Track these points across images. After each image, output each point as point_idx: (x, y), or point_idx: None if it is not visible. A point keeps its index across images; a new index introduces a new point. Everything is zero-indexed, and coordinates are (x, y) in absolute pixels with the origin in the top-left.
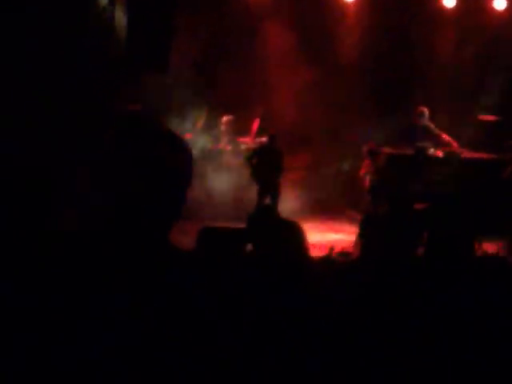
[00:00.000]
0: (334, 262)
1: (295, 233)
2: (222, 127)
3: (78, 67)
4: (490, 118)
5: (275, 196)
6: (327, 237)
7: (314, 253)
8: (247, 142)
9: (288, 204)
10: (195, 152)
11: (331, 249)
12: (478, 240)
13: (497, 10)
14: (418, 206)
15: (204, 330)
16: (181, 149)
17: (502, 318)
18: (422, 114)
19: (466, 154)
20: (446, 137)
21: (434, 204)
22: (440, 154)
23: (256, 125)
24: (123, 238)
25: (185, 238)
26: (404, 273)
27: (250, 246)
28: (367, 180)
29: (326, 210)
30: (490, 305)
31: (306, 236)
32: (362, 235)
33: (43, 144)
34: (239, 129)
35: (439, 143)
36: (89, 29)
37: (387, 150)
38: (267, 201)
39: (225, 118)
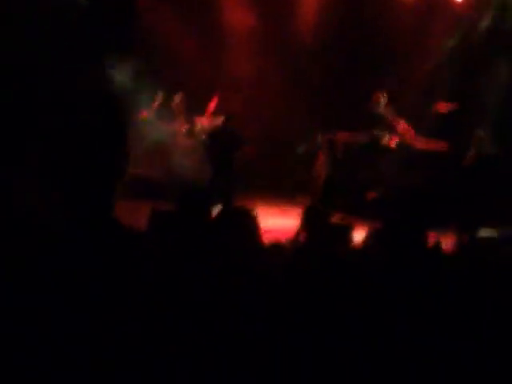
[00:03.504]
0: (283, 249)
1: (248, 220)
2: (176, 106)
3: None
4: (447, 106)
5: (229, 178)
6: (279, 222)
7: (267, 238)
8: (203, 123)
9: (241, 187)
10: (152, 132)
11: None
12: (433, 231)
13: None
14: (370, 195)
15: (152, 311)
16: (110, 108)
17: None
18: (379, 101)
19: (420, 143)
20: (402, 125)
21: (386, 194)
22: (394, 143)
23: (213, 105)
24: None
25: (139, 218)
26: (352, 262)
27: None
28: (324, 170)
29: (277, 195)
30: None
31: (258, 223)
32: (305, 225)
33: None
34: (196, 109)
35: (395, 131)
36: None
37: (343, 136)
38: (221, 182)
39: (178, 97)
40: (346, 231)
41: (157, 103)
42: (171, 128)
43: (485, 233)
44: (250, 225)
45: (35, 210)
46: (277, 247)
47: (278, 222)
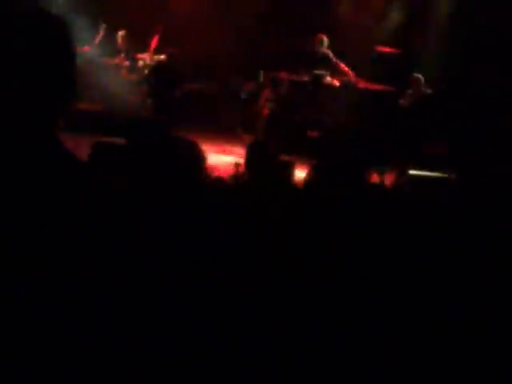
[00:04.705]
0: (225, 185)
1: (193, 152)
2: (119, 42)
3: None
4: (388, 49)
5: (171, 113)
6: (220, 158)
7: (209, 174)
8: (145, 59)
9: (182, 123)
10: (93, 66)
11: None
12: (374, 170)
13: None
14: (311, 134)
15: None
16: (52, 24)
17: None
18: (321, 42)
19: (362, 84)
20: (343, 66)
21: (327, 132)
22: (336, 82)
23: (155, 41)
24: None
25: (80, 152)
26: (288, 198)
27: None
28: (266, 108)
29: (217, 132)
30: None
31: (202, 155)
32: (248, 160)
33: None
34: (137, 45)
35: (336, 72)
36: None
37: (285, 75)
38: (162, 117)
39: (121, 33)
40: (289, 168)
41: (98, 38)
42: (113, 63)
43: (420, 172)
44: (195, 157)
45: None
46: (219, 182)
47: (219, 159)
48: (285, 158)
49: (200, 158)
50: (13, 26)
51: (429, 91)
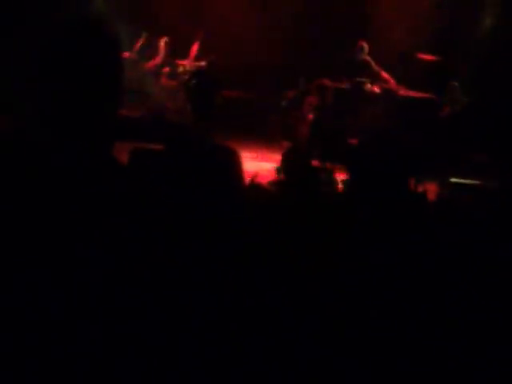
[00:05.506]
0: (261, 190)
1: (230, 159)
2: (160, 49)
3: None
4: (429, 57)
5: (210, 120)
6: (259, 165)
7: (249, 180)
8: (185, 65)
9: (222, 130)
10: (133, 72)
11: (254, 176)
12: (417, 179)
13: None
14: (352, 141)
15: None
16: (105, 39)
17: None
18: (361, 49)
19: (403, 91)
20: (384, 73)
21: (368, 139)
22: (377, 89)
23: (195, 48)
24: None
25: (119, 158)
26: (326, 205)
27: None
28: (310, 115)
29: (260, 140)
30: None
31: (241, 162)
32: (283, 166)
33: None
34: (178, 51)
35: (377, 79)
36: None
37: (329, 82)
38: (202, 124)
39: (163, 40)
40: (328, 174)
41: (139, 44)
42: (153, 70)
43: (461, 180)
44: (233, 164)
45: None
46: (258, 189)
47: (258, 166)
48: (326, 165)
49: (239, 165)
50: (65, 34)
51: (465, 99)
